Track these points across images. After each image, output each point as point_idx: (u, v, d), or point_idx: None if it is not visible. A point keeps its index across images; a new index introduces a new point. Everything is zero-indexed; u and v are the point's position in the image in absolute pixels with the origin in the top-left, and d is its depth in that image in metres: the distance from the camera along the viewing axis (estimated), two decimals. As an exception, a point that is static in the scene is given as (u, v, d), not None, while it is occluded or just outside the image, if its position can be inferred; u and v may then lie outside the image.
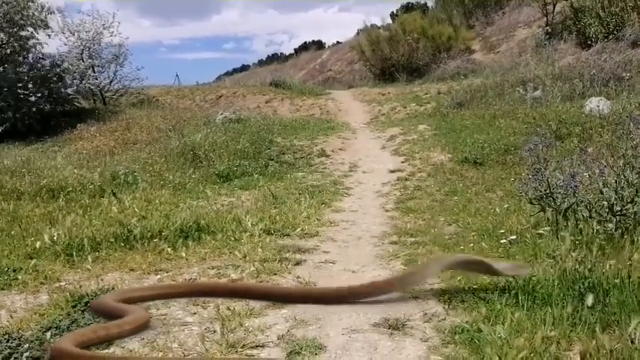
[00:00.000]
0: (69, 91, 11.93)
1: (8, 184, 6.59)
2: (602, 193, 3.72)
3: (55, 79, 11.52)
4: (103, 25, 13.28)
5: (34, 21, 11.29)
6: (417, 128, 9.71)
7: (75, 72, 12.20)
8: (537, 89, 10.03)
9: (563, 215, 3.78)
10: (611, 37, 11.75)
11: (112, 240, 4.24)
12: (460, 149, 7.78)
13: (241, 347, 2.32)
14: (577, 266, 2.78)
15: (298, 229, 4.62)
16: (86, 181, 6.65)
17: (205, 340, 2.39)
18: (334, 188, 6.65)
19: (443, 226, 4.63)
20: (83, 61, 12.92)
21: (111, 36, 13.37)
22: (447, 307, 2.72)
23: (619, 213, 3.53)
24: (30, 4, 11.07)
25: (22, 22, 11.05)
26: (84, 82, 12.73)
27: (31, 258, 3.89)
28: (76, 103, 12.19)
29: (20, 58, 11.53)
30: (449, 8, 19.67)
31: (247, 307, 2.81)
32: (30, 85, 10.99)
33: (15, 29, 10.99)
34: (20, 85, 10.93)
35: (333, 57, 22.76)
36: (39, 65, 11.92)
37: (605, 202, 3.61)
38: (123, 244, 4.17)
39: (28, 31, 11.43)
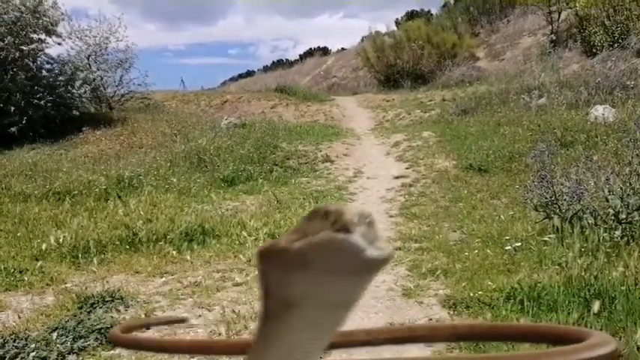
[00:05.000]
0: (76, 95, 12.00)
1: (16, 186, 6.63)
2: (607, 200, 3.72)
3: (62, 83, 11.61)
4: (110, 29, 13.40)
5: (46, 23, 11.38)
6: (421, 135, 9.73)
7: (84, 78, 12.28)
8: (542, 97, 10.02)
9: (569, 222, 3.78)
10: (616, 45, 11.76)
11: (118, 242, 4.26)
12: (465, 156, 7.78)
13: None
14: (583, 273, 2.78)
15: (303, 234, 4.63)
16: (92, 184, 6.69)
17: (211, 342, 2.40)
18: (338, 194, 6.66)
19: (447, 233, 4.62)
20: (90, 66, 13.02)
21: (117, 41, 13.48)
22: (451, 312, 2.72)
23: (625, 220, 3.53)
24: (44, 15, 11.17)
25: (36, 23, 11.14)
26: (91, 86, 12.81)
27: (37, 259, 3.92)
28: (82, 108, 12.27)
29: (30, 63, 11.61)
30: (453, 16, 19.74)
31: (252, 311, 2.82)
32: (36, 88, 11.08)
33: (25, 32, 11.08)
34: (29, 88, 11.03)
35: (337, 63, 22.84)
36: (48, 68, 12.03)
37: (611, 210, 3.61)
38: (128, 247, 4.20)
39: (40, 35, 11.53)
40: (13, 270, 3.64)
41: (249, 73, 31.59)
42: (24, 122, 10.91)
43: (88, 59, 13.35)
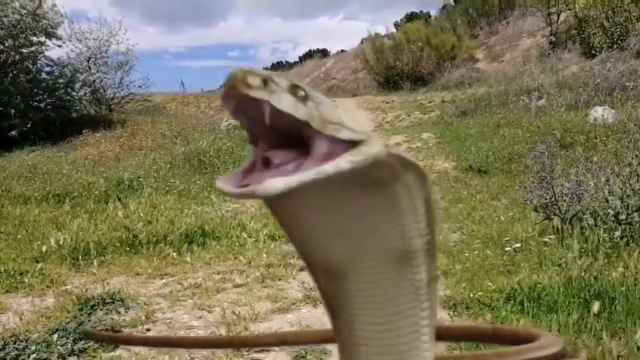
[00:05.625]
0: (75, 98, 12.02)
1: (16, 189, 6.63)
2: (607, 201, 3.72)
3: (62, 86, 11.62)
4: (110, 32, 13.44)
5: (46, 26, 11.39)
6: (421, 136, 9.74)
7: (83, 80, 12.29)
8: (542, 98, 10.03)
9: (569, 223, 3.78)
10: (615, 46, 11.77)
11: (118, 244, 4.26)
12: (464, 157, 7.78)
13: (247, 351, 2.33)
14: (583, 274, 2.78)
15: (303, 236, 4.63)
16: (92, 186, 6.69)
17: (211, 343, 2.40)
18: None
19: (447, 234, 4.62)
20: (89, 68, 13.05)
21: (117, 44, 13.52)
22: (452, 313, 2.72)
23: (624, 221, 3.53)
24: (44, 18, 11.19)
25: (36, 26, 11.14)
26: (91, 88, 12.84)
27: (38, 261, 3.92)
28: (82, 110, 12.30)
29: (30, 65, 11.63)
30: (453, 17, 19.75)
31: (252, 312, 2.82)
32: (36, 91, 11.10)
33: (25, 35, 11.09)
34: (29, 91, 11.04)
35: (337, 65, 22.85)
36: (48, 70, 12.06)
37: (611, 211, 3.61)
38: (128, 249, 4.20)
39: (40, 37, 11.55)
40: (13, 272, 3.64)
41: (249, 75, 31.48)
42: (24, 125, 10.91)
43: (87, 61, 13.37)
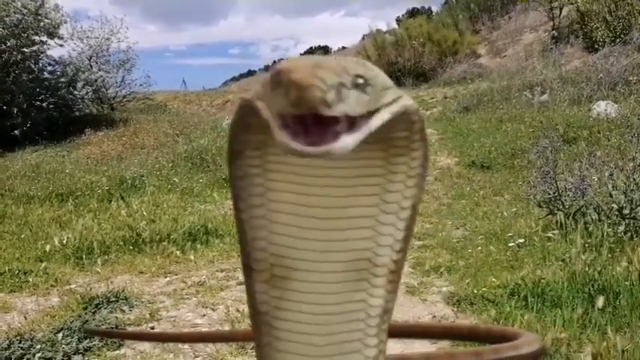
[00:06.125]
0: (78, 97, 12.04)
1: (19, 188, 6.65)
2: (611, 195, 3.71)
3: (64, 85, 11.64)
4: (111, 30, 13.45)
5: (48, 26, 11.39)
6: (423, 132, 9.73)
7: (85, 79, 12.30)
8: (544, 93, 10.00)
9: (573, 218, 3.77)
10: (618, 40, 11.71)
11: (121, 243, 4.27)
12: (467, 153, 7.77)
13: (251, 349, 2.33)
14: (587, 269, 2.77)
15: (306, 233, 4.63)
16: (95, 185, 6.70)
17: (215, 341, 2.40)
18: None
19: (450, 230, 4.61)
20: (91, 67, 13.07)
21: (118, 42, 13.53)
22: (455, 309, 2.72)
23: (628, 216, 3.51)
24: (46, 18, 11.19)
25: (38, 25, 11.14)
26: (93, 87, 12.86)
27: (42, 261, 3.93)
28: (84, 109, 12.33)
29: (32, 65, 11.65)
30: (454, 13, 19.69)
31: (256, 310, 2.82)
32: (38, 90, 11.13)
33: (26, 34, 11.09)
34: (31, 90, 11.07)
35: (338, 62, 22.80)
36: (50, 70, 12.09)
37: (615, 205, 3.59)
38: (132, 248, 4.20)
39: (42, 37, 11.56)
40: (17, 271, 3.66)
41: (251, 73, 31.59)
42: (27, 124, 10.94)
43: (89, 60, 13.38)
